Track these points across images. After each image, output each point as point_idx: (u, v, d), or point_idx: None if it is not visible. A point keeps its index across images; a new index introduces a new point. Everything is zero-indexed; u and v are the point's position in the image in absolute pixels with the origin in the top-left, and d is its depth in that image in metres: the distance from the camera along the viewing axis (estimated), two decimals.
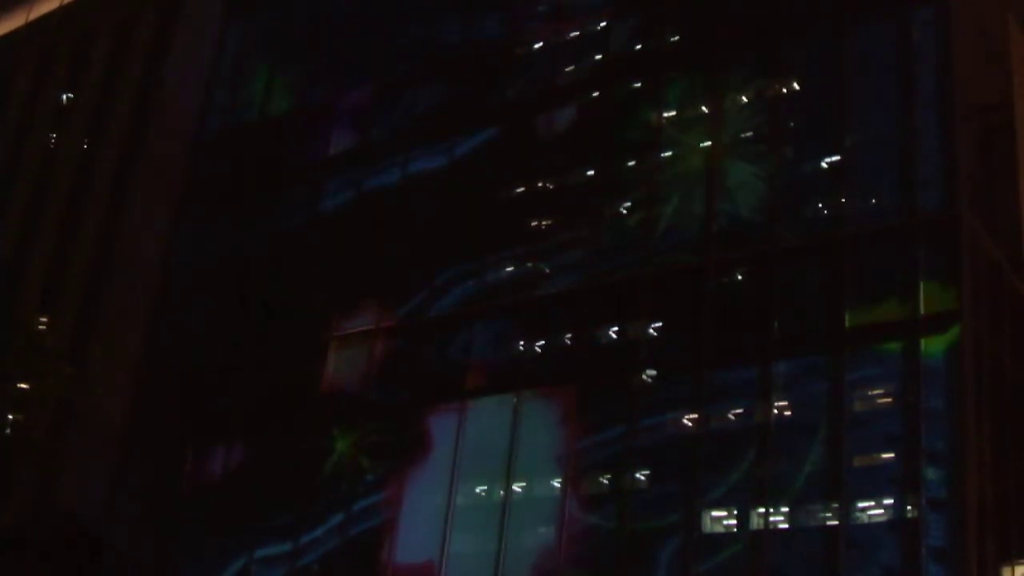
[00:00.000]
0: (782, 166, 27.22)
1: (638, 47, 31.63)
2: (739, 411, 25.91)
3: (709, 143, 28.74)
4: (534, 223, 31.14)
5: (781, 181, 27.04)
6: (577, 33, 32.81)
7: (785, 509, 24.41)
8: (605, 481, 27.21)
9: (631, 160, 30.22)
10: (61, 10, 47.23)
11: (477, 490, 29.09)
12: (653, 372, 27.36)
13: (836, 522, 23.44)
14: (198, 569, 33.41)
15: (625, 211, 29.72)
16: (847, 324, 24.90)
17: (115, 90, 43.03)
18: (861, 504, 23.56)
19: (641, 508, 26.06)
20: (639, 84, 30.91)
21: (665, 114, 30.10)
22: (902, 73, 26.53)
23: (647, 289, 28.00)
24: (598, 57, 32.01)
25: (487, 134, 33.19)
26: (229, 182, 39.62)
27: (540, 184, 31.66)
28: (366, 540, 30.18)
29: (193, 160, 41.25)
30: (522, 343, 29.91)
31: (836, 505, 23.56)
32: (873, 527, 23.32)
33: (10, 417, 33.44)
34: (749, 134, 28.25)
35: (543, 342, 29.69)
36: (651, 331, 27.86)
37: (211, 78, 42.39)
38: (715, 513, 25.38)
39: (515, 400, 29.28)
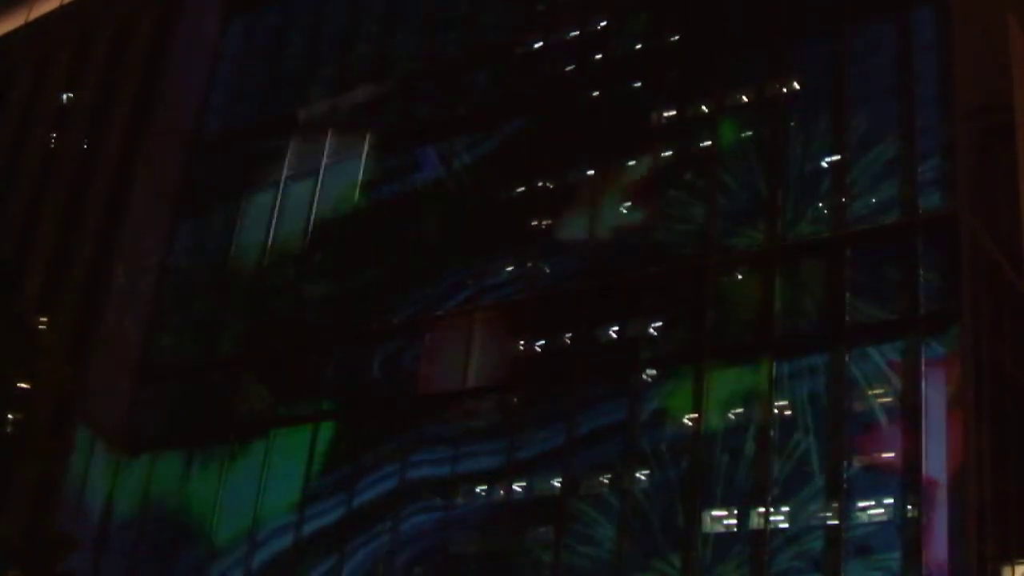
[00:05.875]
0: (782, 165, 27.24)
1: (638, 47, 31.65)
2: (739, 411, 25.93)
3: (709, 143, 28.77)
4: (534, 223, 31.17)
5: (781, 180, 27.07)
6: (577, 33, 32.85)
7: (785, 509, 24.44)
8: (605, 481, 27.23)
9: (631, 160, 30.24)
10: (61, 10, 47.20)
11: (477, 490, 29.11)
12: (653, 372, 27.40)
13: (836, 522, 23.46)
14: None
15: (625, 211, 29.74)
16: (847, 324, 24.92)
17: (115, 90, 42.99)
18: (861, 504, 23.57)
19: (641, 508, 26.10)
20: (639, 84, 30.94)
21: (665, 114, 30.12)
22: (902, 73, 26.55)
23: (647, 289, 28.02)
24: (598, 57, 32.02)
25: (486, 134, 33.21)
26: (229, 182, 39.67)
27: (540, 184, 31.67)
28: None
29: (193, 160, 41.29)
30: (522, 343, 29.93)
31: (836, 505, 23.58)
32: (873, 527, 23.34)
33: (10, 417, 33.40)
34: (749, 134, 28.29)
35: (543, 342, 29.71)
36: (651, 331, 27.89)
37: (211, 78, 42.44)
38: (715, 513, 25.42)
39: (515, 400, 29.33)
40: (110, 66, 43.94)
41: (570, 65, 32.60)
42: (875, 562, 22.88)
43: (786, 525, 24.33)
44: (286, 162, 38.42)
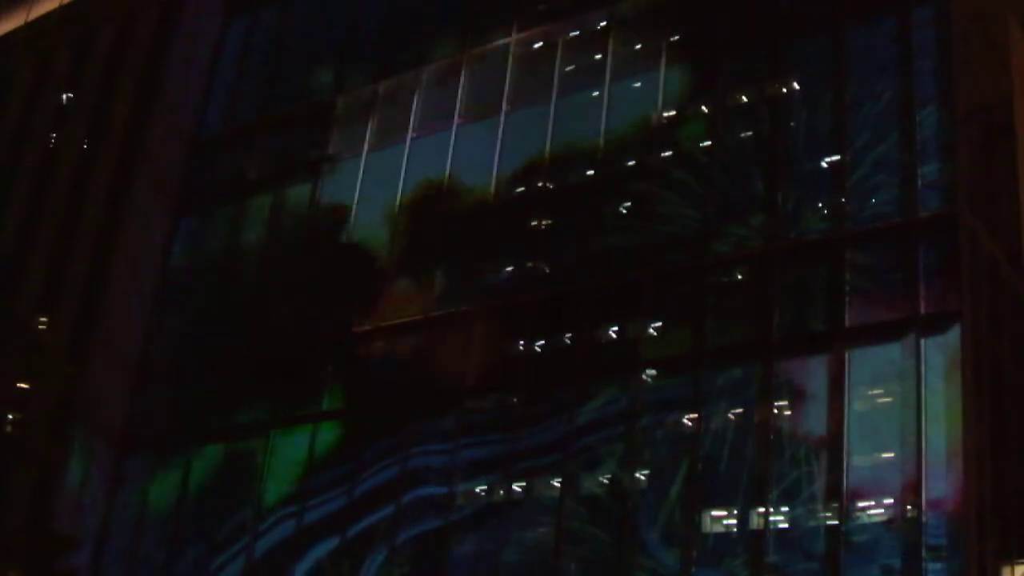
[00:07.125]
0: (781, 166, 27.23)
1: (638, 47, 31.63)
2: (739, 411, 25.93)
3: (709, 143, 28.78)
4: (534, 223, 31.17)
5: (781, 181, 27.07)
6: (577, 33, 32.83)
7: (785, 509, 24.44)
8: (604, 481, 27.23)
9: (631, 160, 30.24)
10: (61, 10, 47.20)
11: (477, 490, 29.12)
12: (653, 372, 27.40)
13: (836, 522, 23.46)
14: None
15: (625, 211, 29.73)
16: (847, 324, 24.92)
17: (115, 90, 42.99)
18: (861, 504, 23.57)
19: (640, 508, 26.10)
20: (639, 84, 30.93)
21: (665, 114, 30.12)
22: (902, 73, 26.55)
23: (647, 289, 28.02)
24: (598, 56, 32.01)
25: (485, 133, 33.20)
26: (229, 182, 39.68)
27: (540, 184, 31.67)
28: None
29: (193, 159, 41.31)
30: (522, 343, 29.92)
31: (836, 505, 23.58)
32: (873, 527, 23.34)
33: (10, 417, 33.46)
34: (749, 134, 28.28)
35: (543, 342, 29.71)
36: (651, 331, 27.89)
37: (211, 77, 42.44)
38: (715, 513, 25.42)
39: (514, 400, 29.32)
40: (110, 66, 43.93)
41: (570, 65, 32.58)
42: (875, 562, 22.88)
43: (786, 525, 24.34)
44: (287, 161, 38.42)
